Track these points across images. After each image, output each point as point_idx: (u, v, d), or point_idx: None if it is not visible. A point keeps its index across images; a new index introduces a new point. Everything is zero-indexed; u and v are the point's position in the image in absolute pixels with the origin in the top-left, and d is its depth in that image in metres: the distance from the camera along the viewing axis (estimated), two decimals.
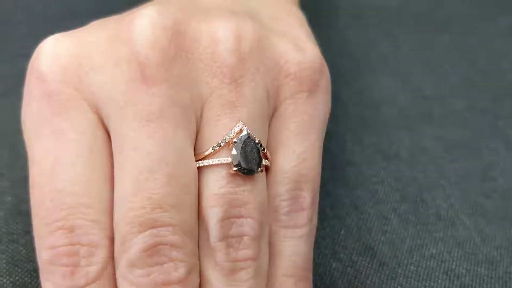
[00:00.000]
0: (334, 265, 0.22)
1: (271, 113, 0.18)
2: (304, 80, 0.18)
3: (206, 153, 0.16)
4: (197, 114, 0.17)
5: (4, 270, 0.20)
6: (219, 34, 0.17)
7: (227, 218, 0.16)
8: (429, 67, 0.33)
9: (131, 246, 0.15)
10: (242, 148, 0.16)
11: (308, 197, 0.18)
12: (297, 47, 0.19)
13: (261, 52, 0.18)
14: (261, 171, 0.17)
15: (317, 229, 0.23)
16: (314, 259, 0.22)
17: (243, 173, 0.16)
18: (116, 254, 0.16)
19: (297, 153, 0.18)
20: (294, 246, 0.17)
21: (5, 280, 0.20)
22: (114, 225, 0.16)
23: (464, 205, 0.25)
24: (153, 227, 0.15)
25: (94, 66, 0.16)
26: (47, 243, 0.16)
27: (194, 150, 0.17)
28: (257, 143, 0.17)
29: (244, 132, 0.16)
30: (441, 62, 0.33)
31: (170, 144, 0.16)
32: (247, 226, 0.16)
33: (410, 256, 0.23)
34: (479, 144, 0.28)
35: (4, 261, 0.20)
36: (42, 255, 0.16)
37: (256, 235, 0.17)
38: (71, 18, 0.33)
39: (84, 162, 0.16)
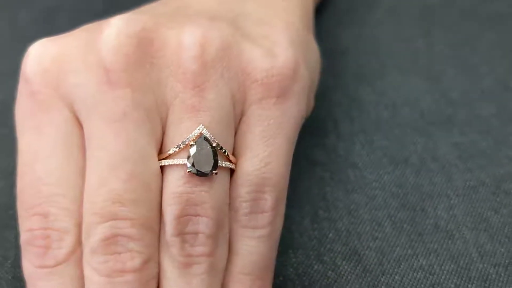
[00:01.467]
0: (316, 267, 0.22)
1: (239, 117, 0.19)
2: (272, 86, 0.18)
3: (168, 153, 0.17)
4: (162, 116, 0.18)
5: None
6: (184, 41, 0.18)
7: (184, 216, 0.17)
8: (464, 67, 0.31)
9: (93, 235, 0.17)
10: (197, 151, 0.17)
11: (270, 199, 0.18)
12: (269, 53, 0.19)
13: (227, 59, 0.18)
14: (216, 173, 0.17)
15: (305, 230, 0.24)
16: (297, 258, 0.22)
17: (197, 174, 0.17)
18: (82, 241, 0.17)
19: (260, 157, 0.18)
20: (253, 246, 0.18)
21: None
22: (82, 214, 0.17)
23: (467, 218, 0.24)
24: (112, 219, 0.17)
25: (71, 69, 0.18)
26: (25, 226, 0.18)
27: (160, 150, 0.18)
28: (215, 147, 0.17)
29: (203, 136, 0.17)
30: (478, 63, 0.32)
31: (132, 143, 0.17)
32: (203, 224, 0.17)
33: (397, 265, 0.23)
34: (499, 154, 0.26)
35: None
36: (22, 236, 0.18)
37: (212, 233, 0.17)
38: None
39: (59, 156, 0.18)
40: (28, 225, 0.18)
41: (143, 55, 0.18)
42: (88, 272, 0.17)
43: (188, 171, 0.17)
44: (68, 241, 0.17)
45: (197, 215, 0.17)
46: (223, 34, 0.18)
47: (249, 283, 0.18)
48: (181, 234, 0.17)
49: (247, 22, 0.20)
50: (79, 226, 0.18)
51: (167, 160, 0.17)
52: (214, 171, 0.17)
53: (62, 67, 0.18)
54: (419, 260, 0.23)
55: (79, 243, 0.18)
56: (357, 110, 0.29)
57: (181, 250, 0.17)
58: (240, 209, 0.18)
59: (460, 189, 0.25)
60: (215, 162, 0.17)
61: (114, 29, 0.18)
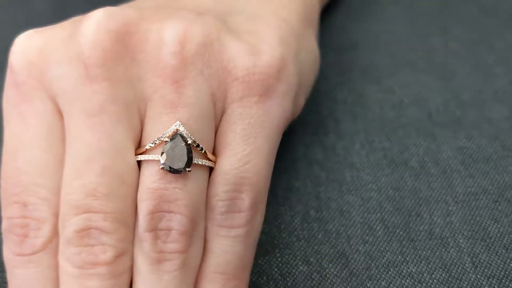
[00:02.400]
0: (301, 268, 0.22)
1: (220, 115, 0.18)
2: (254, 85, 0.18)
3: (145, 148, 0.17)
4: (141, 111, 0.18)
5: None
6: (165, 37, 0.18)
7: (157, 212, 0.17)
8: (478, 67, 0.30)
9: (67, 226, 0.17)
10: (171, 147, 0.17)
11: (247, 199, 0.18)
12: (253, 50, 0.19)
13: (208, 56, 0.18)
14: (189, 171, 0.17)
15: (295, 229, 0.23)
16: (282, 258, 0.22)
17: (170, 171, 0.17)
18: (59, 231, 0.18)
19: (239, 156, 0.18)
20: (227, 245, 0.18)
21: None
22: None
23: (464, 226, 0.23)
24: (86, 212, 0.17)
25: (54, 61, 0.18)
26: (6, 214, 0.18)
27: (139, 144, 0.18)
28: (190, 144, 0.17)
29: (178, 132, 0.17)
30: (494, 63, 0.30)
31: (108, 137, 0.17)
32: (176, 221, 0.17)
33: (385, 271, 0.22)
34: (506, 161, 0.25)
35: None
36: (3, 223, 0.18)
37: (185, 231, 0.17)
38: None
39: (40, 146, 0.18)
40: (8, 213, 0.18)
41: (123, 49, 0.18)
42: (62, 262, 0.17)
43: (161, 168, 0.17)
44: (45, 231, 0.18)
45: (170, 211, 0.17)
46: (206, 29, 0.18)
47: (223, 282, 0.18)
48: (154, 230, 0.17)
49: (238, 18, 0.20)
50: (57, 216, 0.18)
51: (143, 155, 0.17)
52: (187, 169, 0.17)
53: (46, 59, 0.18)
54: (409, 267, 0.22)
55: (56, 233, 0.18)
56: (361, 109, 0.29)
57: (153, 246, 0.17)
58: (216, 208, 0.18)
59: (460, 196, 0.24)
60: (189, 159, 0.17)
61: (94, 23, 0.18)
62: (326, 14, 0.33)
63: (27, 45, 0.18)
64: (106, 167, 0.17)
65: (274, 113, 0.19)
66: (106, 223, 0.17)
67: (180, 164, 0.17)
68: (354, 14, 0.34)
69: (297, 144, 0.27)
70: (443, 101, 0.29)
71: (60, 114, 0.18)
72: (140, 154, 0.18)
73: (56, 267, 0.18)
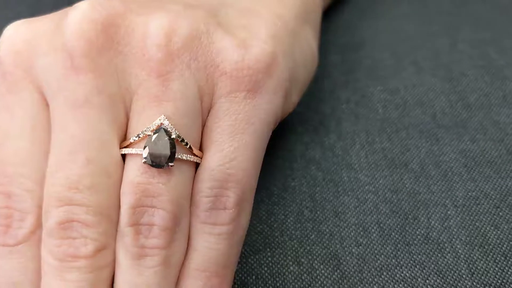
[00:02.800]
0: (291, 268, 0.22)
1: (207, 110, 0.18)
2: (242, 80, 0.18)
3: (130, 141, 0.17)
4: (126, 104, 0.18)
5: None
6: (150, 29, 0.18)
7: (139, 206, 0.17)
8: (487, 69, 0.29)
9: (50, 218, 0.17)
10: (154, 141, 0.17)
11: (233, 196, 0.18)
12: (242, 44, 0.18)
13: (195, 49, 0.18)
14: (172, 166, 0.17)
15: (287, 229, 0.23)
16: (273, 258, 0.22)
17: (152, 166, 0.17)
18: (42, 222, 0.18)
19: (225, 152, 0.18)
20: (211, 242, 0.18)
21: None
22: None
23: (462, 231, 0.22)
24: (67, 204, 0.17)
25: (40, 52, 0.18)
26: None
27: (125, 137, 0.18)
28: (173, 138, 0.17)
29: (162, 126, 0.17)
30: (504, 65, 0.29)
31: (92, 129, 0.17)
32: (158, 216, 0.17)
33: (378, 275, 0.21)
34: (510, 165, 0.24)
35: None
36: None
37: (167, 226, 0.17)
38: None
39: (26, 137, 0.18)
40: None
41: (108, 41, 0.17)
42: (44, 253, 0.17)
43: (143, 162, 0.17)
44: (29, 222, 0.18)
45: (153, 207, 0.17)
46: (194, 22, 0.18)
47: (205, 280, 0.18)
48: (136, 224, 0.17)
49: (230, 11, 0.20)
50: (41, 207, 0.18)
51: (127, 148, 0.17)
52: (170, 163, 0.17)
53: (33, 49, 0.18)
54: (402, 272, 0.21)
55: (40, 224, 0.18)
56: (364, 109, 0.28)
57: (135, 241, 0.17)
58: (201, 205, 0.18)
59: (460, 200, 0.23)
60: (172, 154, 0.17)
61: (79, 13, 0.17)
62: (332, 11, 0.33)
63: (15, 35, 0.18)
64: (89, 159, 0.17)
65: (263, 109, 0.18)
66: (88, 216, 0.17)
67: (162, 158, 0.17)
68: (361, 12, 0.33)
69: (296, 142, 0.27)
70: (448, 103, 0.28)
71: (46, 104, 0.18)
72: (125, 147, 0.17)
73: (39, 259, 0.18)
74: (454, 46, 0.31)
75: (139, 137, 0.17)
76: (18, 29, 0.19)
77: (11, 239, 0.18)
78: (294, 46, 0.21)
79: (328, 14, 0.32)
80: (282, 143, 0.27)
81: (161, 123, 0.17)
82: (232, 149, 0.18)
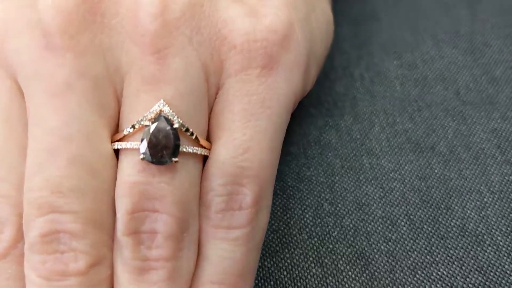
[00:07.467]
0: (314, 270, 0.19)
1: (214, 93, 0.15)
2: (255, 54, 0.15)
3: (123, 134, 0.14)
4: (117, 87, 0.15)
5: None
6: None
7: (139, 211, 0.14)
8: None
9: (31, 229, 0.14)
10: (154, 133, 0.14)
11: (249, 194, 0.15)
12: (253, 12, 0.15)
13: (197, 19, 0.15)
14: (176, 161, 0.14)
15: (306, 225, 0.20)
16: (292, 260, 0.19)
17: (152, 162, 0.14)
18: (24, 234, 0.15)
19: (238, 141, 0.15)
20: (225, 250, 0.15)
21: None
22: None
23: (502, 221, 0.20)
24: (51, 212, 0.14)
25: (12, 32, 0.15)
26: None
27: (117, 128, 0.15)
28: (176, 128, 0.14)
29: (162, 114, 0.14)
30: None
31: (76, 120, 0.14)
32: (162, 222, 0.14)
33: (412, 274, 0.19)
34: None
35: None
36: None
37: (173, 233, 0.14)
38: None
39: (0, 133, 0.15)
40: None
41: (90, 13, 0.14)
42: (27, 271, 0.14)
43: (141, 158, 0.14)
44: (7, 234, 0.15)
45: (155, 211, 0.14)
46: None
47: None
48: (135, 233, 0.14)
49: None
50: (21, 216, 0.15)
51: (121, 142, 0.14)
52: (174, 159, 0.14)
53: (5, 30, 0.15)
54: (439, 270, 0.19)
55: (21, 236, 0.15)
56: (380, 86, 0.25)
57: (135, 253, 0.14)
58: (213, 205, 0.15)
59: (496, 185, 0.21)
60: (176, 147, 0.14)
61: None
62: None
63: None
64: (74, 157, 0.14)
65: (280, 89, 0.15)
66: (75, 225, 0.14)
67: (164, 153, 0.14)
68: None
69: (308, 127, 0.24)
70: (472, 78, 0.25)
71: (22, 93, 0.15)
72: (117, 141, 0.14)
73: (23, 277, 0.15)
74: (474, 16, 0.28)
75: (134, 127, 0.14)
76: None
77: None
78: (310, 14, 0.18)
79: None
80: (292, 127, 0.24)
81: (160, 110, 0.14)
82: (245, 138, 0.15)
